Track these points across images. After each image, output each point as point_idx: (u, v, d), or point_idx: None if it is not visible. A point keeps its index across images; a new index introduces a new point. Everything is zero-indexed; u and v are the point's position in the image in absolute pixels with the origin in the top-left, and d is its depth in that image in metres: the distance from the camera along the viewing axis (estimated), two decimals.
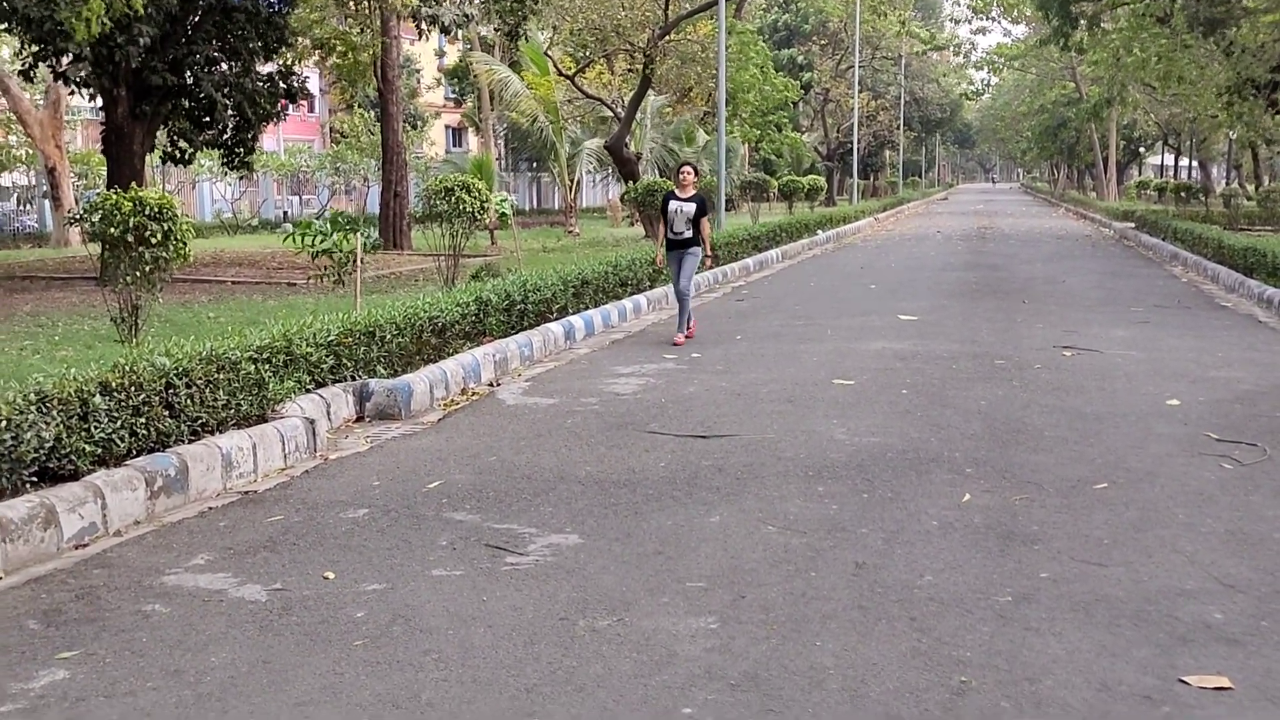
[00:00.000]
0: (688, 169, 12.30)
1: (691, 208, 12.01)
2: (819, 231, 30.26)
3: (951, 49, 60.44)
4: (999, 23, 45.97)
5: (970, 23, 43.30)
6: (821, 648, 4.16)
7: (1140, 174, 71.70)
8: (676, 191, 12.27)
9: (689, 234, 12.07)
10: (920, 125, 79.91)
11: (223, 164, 21.44)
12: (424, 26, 21.47)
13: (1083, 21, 27.16)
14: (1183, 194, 43.25)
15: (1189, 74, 27.19)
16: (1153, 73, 27.91)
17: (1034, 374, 9.85)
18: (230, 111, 19.32)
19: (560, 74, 32.56)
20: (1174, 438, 7.47)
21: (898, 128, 68.78)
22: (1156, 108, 46.81)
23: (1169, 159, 68.96)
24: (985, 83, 65.21)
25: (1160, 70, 27.20)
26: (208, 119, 19.23)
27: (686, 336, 11.92)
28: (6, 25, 17.17)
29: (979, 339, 12.00)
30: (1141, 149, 68.36)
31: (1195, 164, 61.66)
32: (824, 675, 3.93)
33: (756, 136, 40.31)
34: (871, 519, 5.73)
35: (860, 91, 54.24)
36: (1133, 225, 32.73)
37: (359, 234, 13.93)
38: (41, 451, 5.56)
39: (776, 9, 61.10)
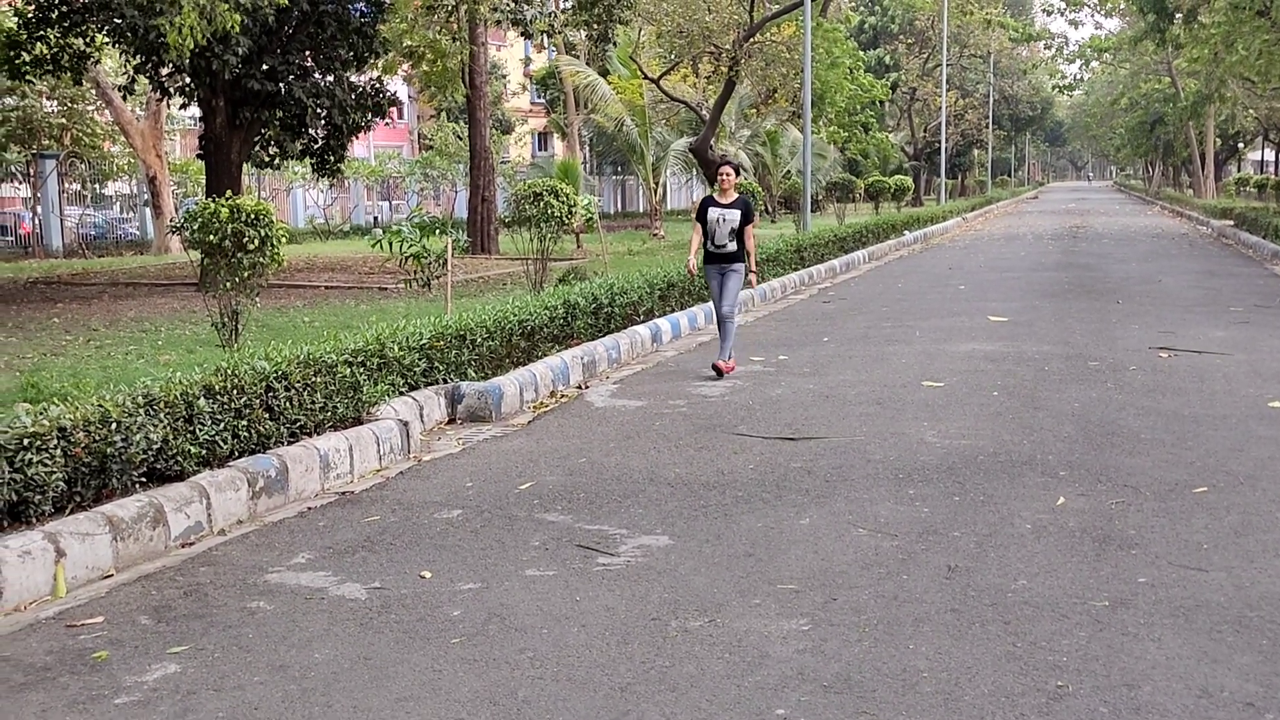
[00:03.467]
0: (727, 170, 10.27)
1: (735, 215, 10.17)
2: (906, 232, 29.95)
3: (1043, 43, 59.36)
4: (1092, 15, 45.03)
5: (1064, 14, 42.33)
6: (914, 650, 4.14)
7: (1239, 170, 69.63)
8: (716, 197, 10.42)
9: (733, 246, 10.19)
10: (1010, 123, 78.59)
11: (314, 171, 21.93)
12: (508, 30, 21.71)
13: (1179, 16, 26.52)
14: None
15: None
16: (1253, 68, 27.14)
17: (1129, 375, 9.66)
18: (322, 120, 19.76)
19: (646, 77, 32.67)
20: (1276, 440, 7.28)
21: (986, 126, 67.74)
22: (1256, 102, 45.45)
23: (1269, 155, 66.90)
24: (1077, 77, 63.92)
25: (1261, 65, 26.44)
26: (300, 127, 19.69)
27: (725, 369, 10.05)
28: (110, 39, 17.78)
29: (1072, 340, 11.80)
30: (1240, 144, 66.40)
31: None
32: (917, 678, 3.91)
33: (844, 137, 40.00)
34: (963, 522, 5.68)
35: (948, 90, 53.56)
36: (1231, 223, 31.85)
37: (448, 237, 14.13)
38: (150, 453, 5.76)
39: (863, 9, 60.58)
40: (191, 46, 11.05)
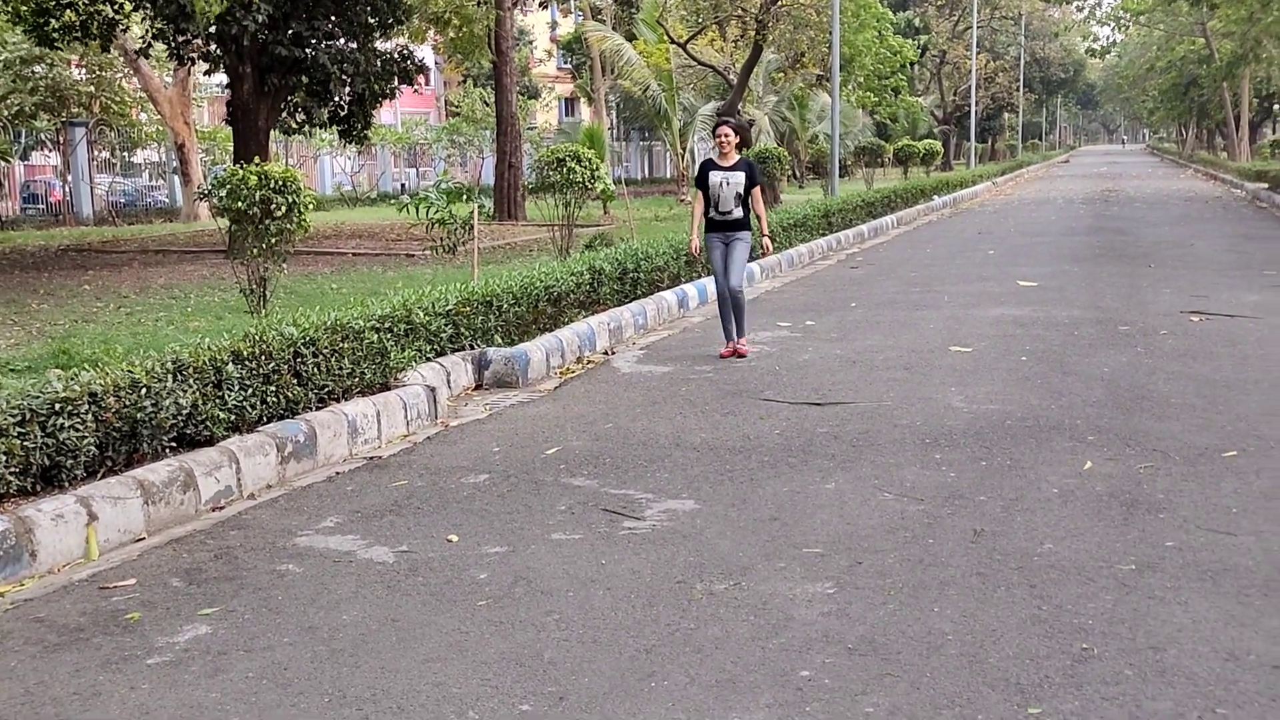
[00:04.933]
0: (725, 130, 9.42)
1: (740, 178, 9.35)
2: (935, 197, 29.73)
3: (1074, 4, 58.56)
4: None
5: None
6: (939, 613, 4.14)
7: (1275, 132, 68.60)
8: (716, 159, 9.54)
9: (739, 212, 9.39)
10: (1041, 86, 77.73)
11: (341, 137, 21.96)
12: (508, 5, 21.63)
13: None
14: None
15: None
16: None
17: (1160, 340, 9.58)
18: (347, 86, 19.75)
19: (673, 41, 32.45)
20: None
21: (1017, 89, 66.98)
22: None
23: None
24: (1110, 40, 63.06)
25: None
26: (327, 94, 19.69)
27: (737, 353, 9.37)
28: (135, 4, 17.81)
29: (1102, 304, 11.70)
30: (1276, 106, 65.40)
31: None
32: (942, 641, 3.92)
33: (873, 101, 39.66)
34: (990, 487, 5.66)
35: (978, 52, 52.96)
36: (1266, 186, 31.40)
37: (473, 203, 14.12)
38: (179, 418, 5.82)
39: None
40: (216, 11, 11.06)
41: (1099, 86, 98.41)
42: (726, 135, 9.36)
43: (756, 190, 9.51)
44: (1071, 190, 38.05)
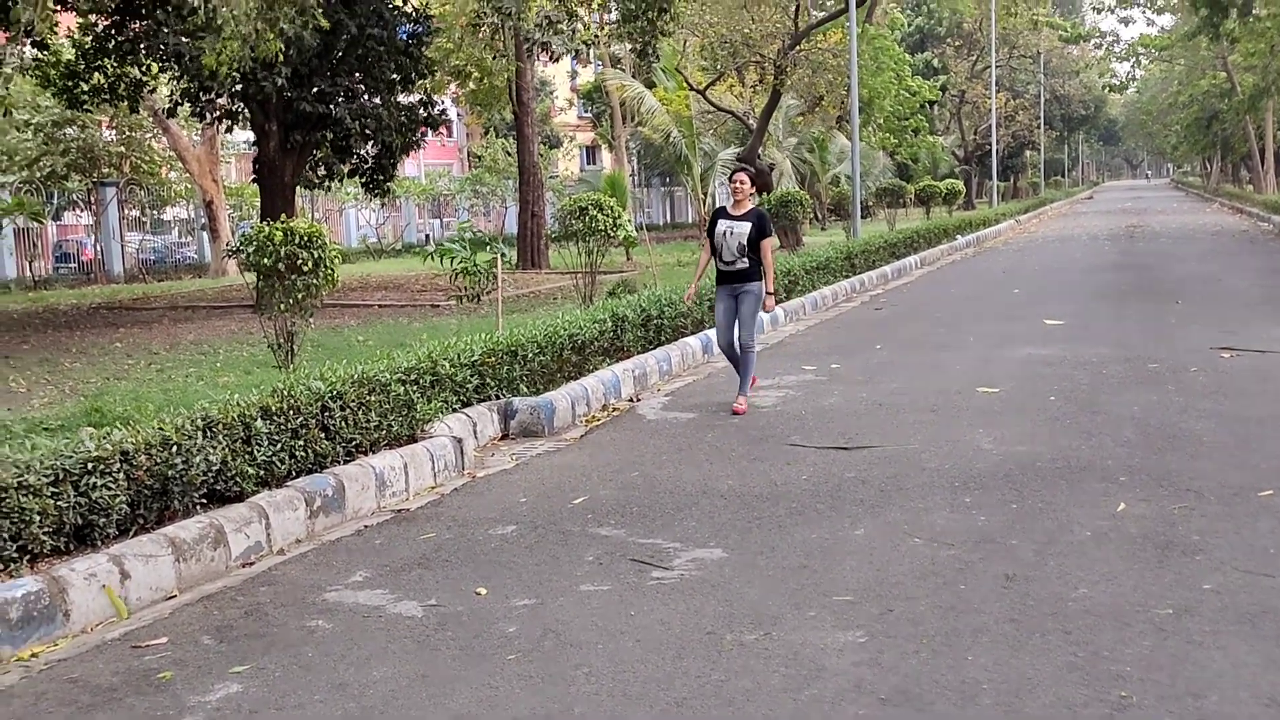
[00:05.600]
0: (740, 178, 9.18)
1: (745, 228, 8.99)
2: (958, 236, 29.70)
3: (1093, 41, 58.68)
4: (1143, 12, 44.41)
5: (1113, 12, 41.80)
6: (973, 662, 4.10)
7: None
8: (729, 208, 9.24)
9: (744, 264, 9.03)
10: (1062, 123, 77.67)
11: (365, 190, 22.21)
12: (535, 51, 22.00)
13: (1234, 10, 26.08)
14: None
15: None
16: None
17: (1190, 377, 9.50)
18: (370, 140, 20.01)
19: (691, 88, 32.72)
20: None
21: (1038, 127, 67.01)
22: None
23: None
24: (1130, 76, 63.08)
25: None
26: (350, 148, 19.96)
27: (734, 410, 8.95)
28: (161, 65, 18.13)
29: (1130, 342, 11.63)
30: None
31: None
32: (977, 690, 3.87)
33: (893, 143, 39.79)
34: (1021, 530, 5.61)
35: (998, 91, 53.09)
36: None
37: (496, 250, 14.20)
38: (210, 474, 5.85)
39: (909, 11, 60.26)
40: (228, 72, 11.25)
41: (1121, 122, 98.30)
42: (741, 182, 9.15)
43: (765, 243, 9.06)
44: (1096, 226, 37.94)
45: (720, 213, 9.30)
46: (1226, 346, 10.97)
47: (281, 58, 13.17)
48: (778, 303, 12.84)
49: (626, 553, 5.55)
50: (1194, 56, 52.17)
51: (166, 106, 20.88)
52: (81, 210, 30.17)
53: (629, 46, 25.05)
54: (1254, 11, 27.64)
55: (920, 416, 8.44)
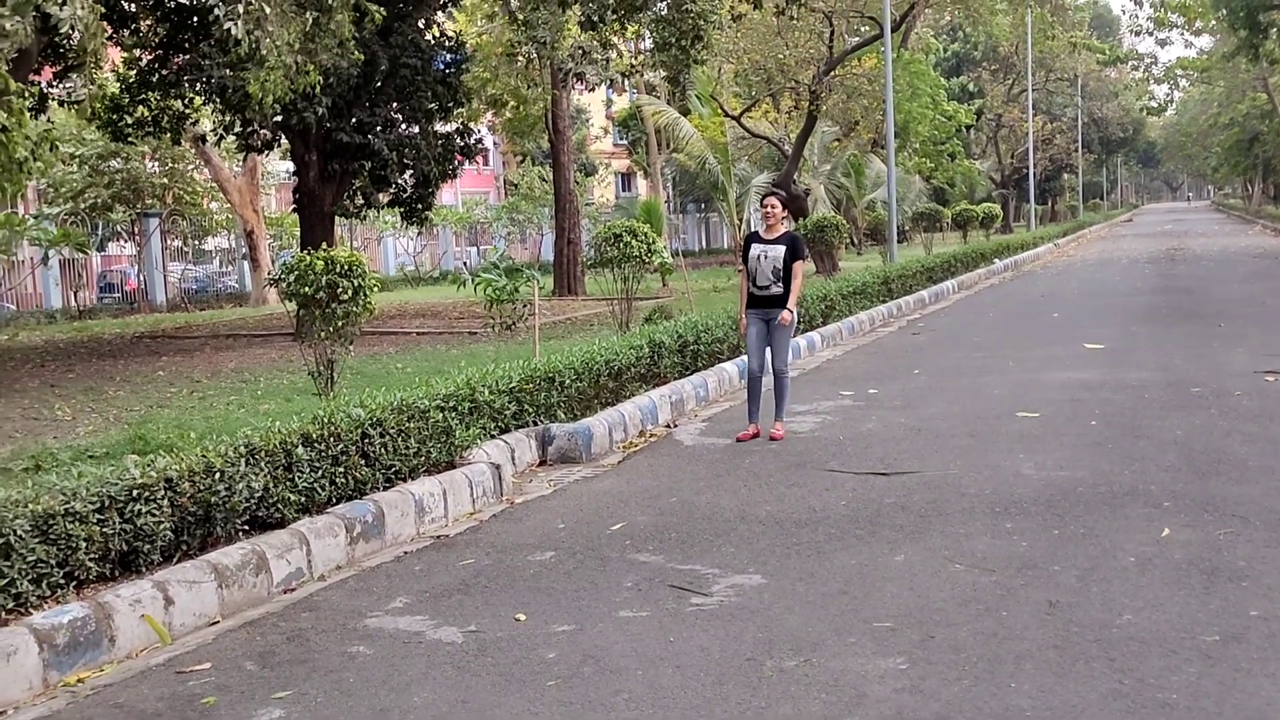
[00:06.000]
0: (771, 202, 9.13)
1: (779, 251, 8.99)
2: (995, 260, 29.56)
3: (1130, 64, 58.39)
4: (1181, 34, 44.21)
5: (1151, 34, 41.65)
6: (1016, 689, 4.06)
7: None
8: (761, 232, 9.28)
9: (778, 289, 8.99)
10: (1100, 146, 77.27)
11: (403, 219, 22.39)
12: (570, 82, 22.26)
13: (1274, 30, 25.89)
14: None
15: None
16: None
17: (1234, 401, 9.39)
18: (409, 170, 20.20)
19: (726, 114, 32.81)
20: None
21: (1075, 150, 66.66)
22: None
23: None
24: (1168, 98, 62.70)
25: None
26: (388, 177, 20.16)
27: (772, 437, 8.89)
28: (204, 97, 18.41)
29: (1172, 366, 11.51)
30: None
31: None
32: (1020, 718, 3.83)
33: (930, 167, 39.71)
34: (1063, 556, 5.56)
35: (1035, 115, 52.89)
36: None
37: (530, 278, 14.26)
38: (252, 501, 5.91)
39: (944, 36, 60.26)
40: (271, 102, 11.41)
41: (1160, 144, 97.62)
42: (773, 206, 9.11)
43: (797, 265, 9.04)
44: (1135, 249, 37.64)
45: (754, 237, 9.32)
46: (1271, 370, 10.83)
47: (320, 89, 13.36)
48: (799, 327, 12.70)
49: (665, 579, 5.54)
50: (1233, 78, 51.78)
51: (209, 137, 21.19)
52: (125, 241, 30.60)
53: (661, 74, 25.21)
54: None
55: (959, 442, 8.39)
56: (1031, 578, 5.26)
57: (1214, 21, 35.47)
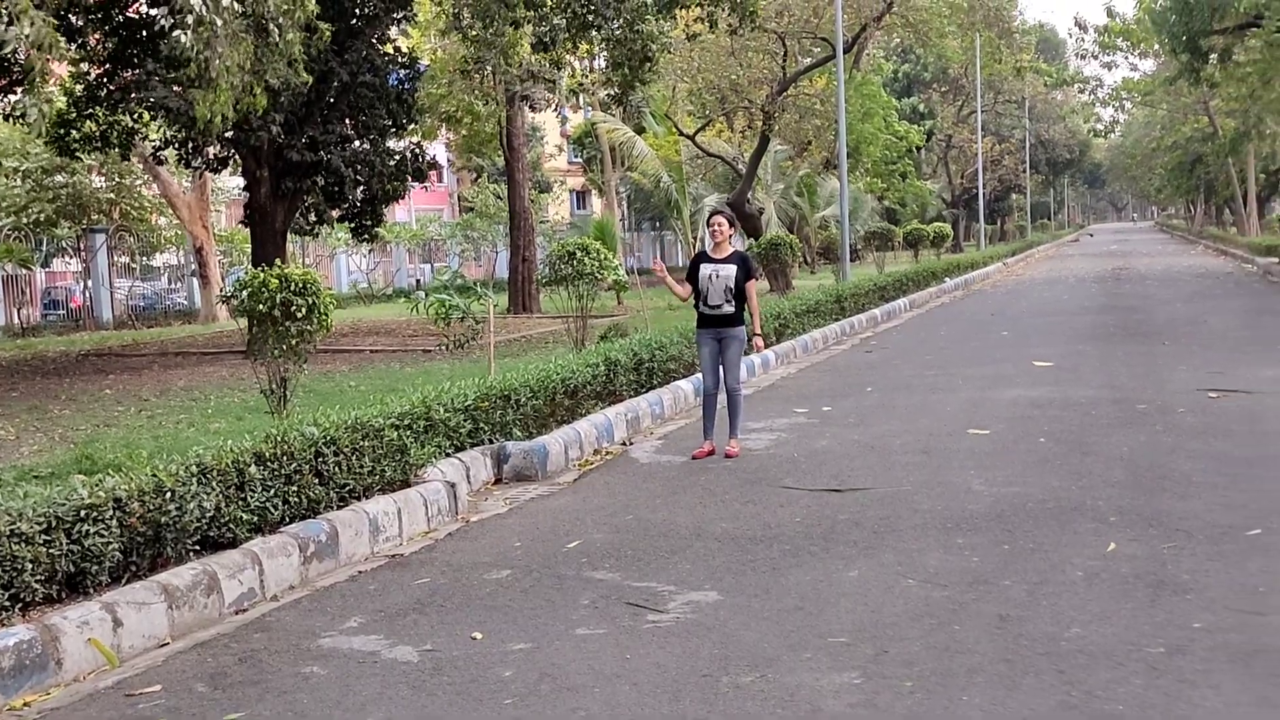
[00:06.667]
0: (719, 220, 9.19)
1: (730, 271, 8.95)
2: (946, 279, 29.89)
3: (1077, 86, 59.38)
4: (1126, 57, 45.03)
5: (1096, 58, 42.41)
6: (968, 702, 4.11)
7: None
8: (709, 251, 9.19)
9: (730, 308, 8.97)
10: (1048, 167, 78.47)
11: (353, 235, 22.29)
12: (519, 104, 22.45)
13: (1213, 55, 26.46)
14: None
15: None
16: None
17: (1178, 418, 9.56)
18: (361, 187, 20.12)
19: (681, 133, 32.99)
20: None
21: (1024, 171, 67.64)
22: None
23: None
24: (1113, 120, 63.82)
25: None
26: (340, 194, 20.07)
27: (728, 454, 8.86)
28: (153, 114, 18.24)
29: (1118, 384, 11.70)
30: None
31: None
32: None
33: (881, 186, 40.14)
34: (1014, 570, 5.64)
35: (984, 136, 53.61)
36: (1277, 260, 31.51)
37: (482, 297, 14.24)
38: (203, 521, 5.85)
39: (895, 58, 60.99)
40: (219, 123, 11.31)
41: (1105, 165, 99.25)
42: (719, 225, 9.13)
43: (750, 285, 9.08)
44: (1083, 269, 38.22)
45: (702, 256, 9.27)
46: (1214, 387, 11.04)
47: (273, 106, 13.26)
48: (767, 345, 12.96)
49: (621, 596, 5.55)
50: (1176, 101, 52.80)
51: (163, 156, 20.99)
52: (70, 257, 30.19)
53: (609, 93, 25.38)
54: (1233, 57, 28.02)
55: (912, 458, 8.48)
56: (983, 592, 5.33)
57: (1156, 46, 36.20)
